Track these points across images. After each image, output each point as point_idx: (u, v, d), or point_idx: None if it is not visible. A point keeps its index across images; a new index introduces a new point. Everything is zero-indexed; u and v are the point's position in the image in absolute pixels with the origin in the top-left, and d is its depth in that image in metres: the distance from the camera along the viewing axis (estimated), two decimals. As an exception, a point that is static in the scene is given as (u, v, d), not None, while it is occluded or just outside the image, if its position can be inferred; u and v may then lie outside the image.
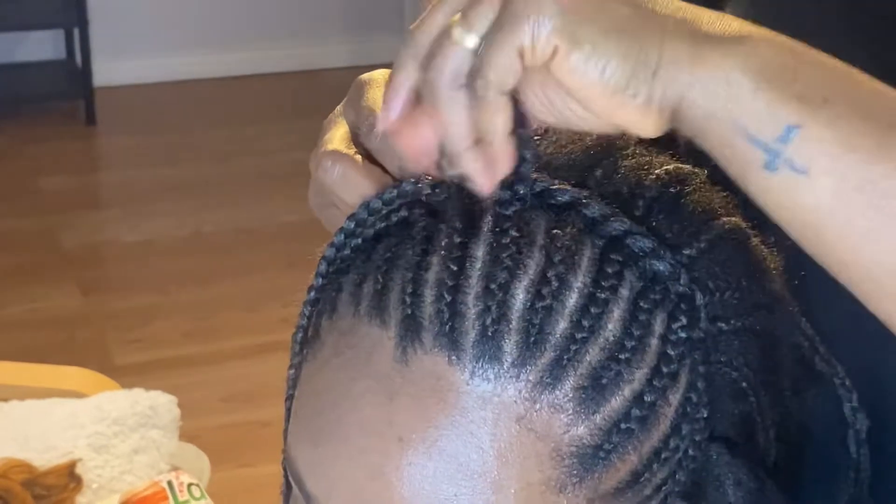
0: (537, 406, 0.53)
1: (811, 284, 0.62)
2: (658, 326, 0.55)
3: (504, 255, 0.54)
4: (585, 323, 0.53)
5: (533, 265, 0.54)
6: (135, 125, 4.13)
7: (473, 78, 0.52)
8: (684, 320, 0.55)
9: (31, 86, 4.17)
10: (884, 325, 0.52)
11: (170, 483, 1.35)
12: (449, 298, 0.54)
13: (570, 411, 0.54)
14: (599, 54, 0.50)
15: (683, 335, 0.55)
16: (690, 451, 0.57)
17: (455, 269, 0.54)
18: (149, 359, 2.84)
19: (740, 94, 0.50)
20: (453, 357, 0.53)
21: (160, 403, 1.56)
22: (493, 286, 0.53)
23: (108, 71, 4.20)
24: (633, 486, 0.56)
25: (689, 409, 0.56)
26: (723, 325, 0.56)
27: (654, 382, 0.54)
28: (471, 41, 0.52)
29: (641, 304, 0.54)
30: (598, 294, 0.54)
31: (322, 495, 0.56)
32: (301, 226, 3.25)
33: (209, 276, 3.21)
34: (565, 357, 0.53)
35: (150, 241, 3.40)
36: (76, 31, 4.07)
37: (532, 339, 0.53)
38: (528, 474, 0.53)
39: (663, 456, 0.56)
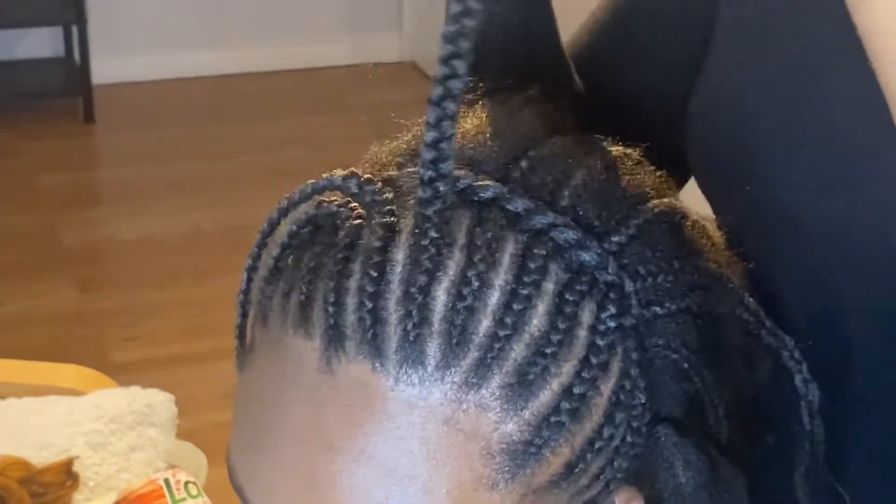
0: (464, 406, 0.53)
1: (765, 256, 0.62)
2: (586, 317, 0.55)
3: (423, 257, 0.54)
4: (508, 320, 0.53)
5: (453, 265, 0.54)
6: (134, 123, 4.13)
7: None
8: (613, 309, 0.55)
9: (29, 83, 4.17)
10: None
11: (167, 481, 1.35)
12: (370, 305, 0.53)
13: (498, 409, 0.54)
14: None
15: (613, 324, 0.55)
16: (629, 438, 0.57)
17: (375, 274, 0.54)
18: (147, 356, 2.84)
19: None
20: (377, 364, 0.53)
21: (158, 401, 1.56)
22: (412, 290, 0.53)
23: (106, 68, 4.19)
24: (568, 477, 0.56)
25: (622, 396, 0.56)
26: (657, 308, 0.57)
27: (584, 374, 0.54)
28: None
29: (567, 296, 0.54)
30: (521, 290, 0.54)
31: (260, 503, 0.57)
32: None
33: (207, 273, 3.21)
34: (489, 356, 0.53)
35: (149, 238, 3.40)
36: (75, 29, 4.06)
37: (454, 340, 0.53)
38: (459, 474, 0.53)
39: (597, 446, 0.56)
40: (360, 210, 0.56)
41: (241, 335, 0.62)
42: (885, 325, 0.60)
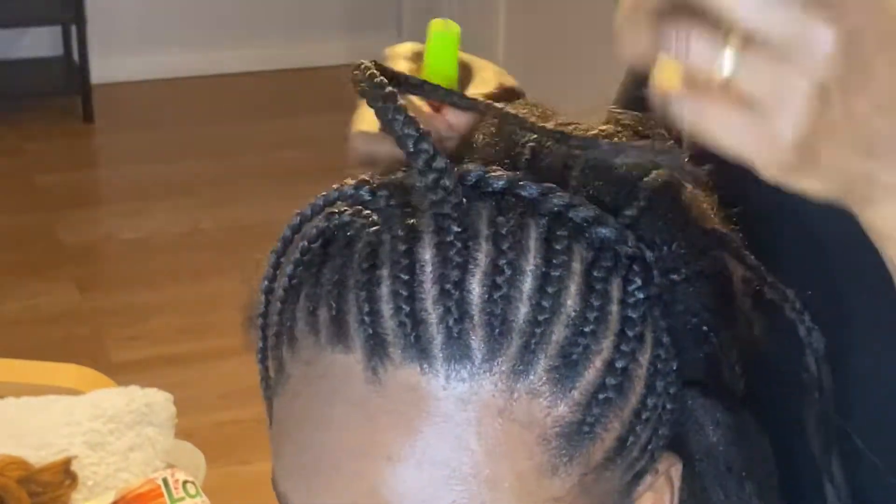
0: (515, 395, 0.53)
1: (762, 219, 0.62)
2: (616, 292, 0.55)
3: (451, 252, 0.54)
4: (545, 303, 0.54)
5: (482, 256, 0.54)
6: (133, 122, 4.13)
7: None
8: (639, 281, 0.56)
9: (28, 82, 4.17)
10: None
11: (165, 480, 1.35)
12: (407, 309, 0.53)
13: (548, 393, 0.54)
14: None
15: (641, 295, 0.56)
16: (668, 405, 0.57)
17: (406, 277, 0.54)
18: (145, 356, 2.84)
19: None
20: (425, 365, 0.53)
21: (156, 401, 1.56)
22: (447, 286, 0.53)
23: (105, 68, 4.19)
24: (622, 451, 0.56)
25: (659, 365, 0.57)
26: (675, 276, 0.57)
27: (623, 347, 0.55)
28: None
29: (595, 273, 0.55)
30: (552, 272, 0.54)
31: None
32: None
33: (206, 273, 3.20)
34: (532, 341, 0.53)
35: (148, 237, 3.40)
36: (74, 28, 4.06)
37: (497, 330, 0.53)
38: (519, 465, 0.54)
39: (644, 416, 0.56)
40: (375, 217, 0.56)
41: (264, 359, 0.61)
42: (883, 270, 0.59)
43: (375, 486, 0.54)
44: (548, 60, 3.46)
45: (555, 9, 3.53)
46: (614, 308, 0.55)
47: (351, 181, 0.58)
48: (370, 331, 0.54)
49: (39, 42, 4.24)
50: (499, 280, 0.53)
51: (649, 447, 0.58)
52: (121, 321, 2.99)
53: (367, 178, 0.58)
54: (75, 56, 4.08)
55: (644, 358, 0.56)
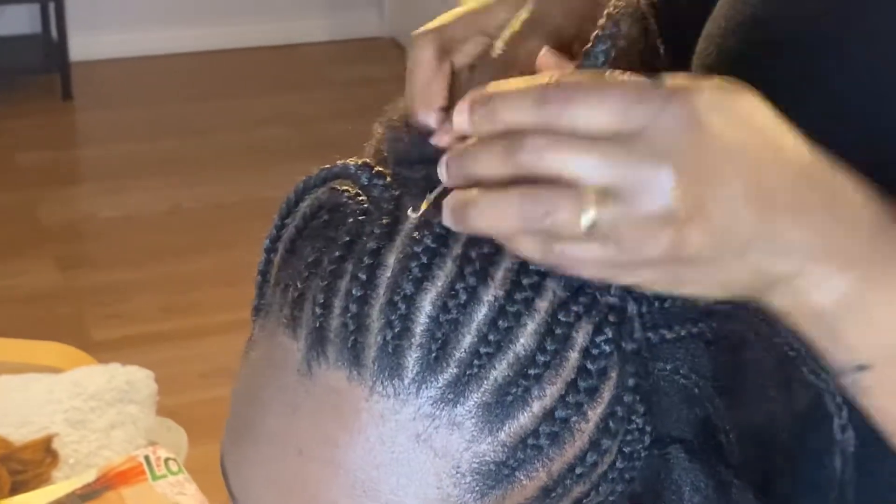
0: (436, 423, 0.52)
1: None
2: (580, 339, 0.53)
3: (413, 264, 0.52)
4: (492, 338, 0.52)
5: (443, 276, 0.52)
6: (112, 100, 4.11)
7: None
8: (610, 333, 0.53)
9: (6, 60, 4.14)
10: None
11: (147, 458, 1.35)
12: (354, 310, 0.52)
13: (472, 428, 0.52)
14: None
15: (608, 348, 0.53)
16: (619, 464, 0.55)
17: (364, 278, 0.52)
18: (126, 334, 2.83)
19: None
20: (354, 372, 0.52)
21: (137, 378, 1.56)
22: (396, 298, 0.52)
23: (84, 45, 4.17)
24: (543, 501, 0.54)
25: (611, 423, 0.54)
26: (665, 332, 0.54)
27: (569, 398, 0.53)
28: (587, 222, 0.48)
29: (561, 316, 0.52)
30: (509, 307, 0.52)
31: (238, 495, 0.56)
32: (280, 201, 3.23)
33: (188, 251, 3.20)
34: (468, 373, 0.52)
35: (129, 216, 3.39)
36: (52, 5, 4.03)
37: (434, 354, 0.52)
38: (425, 491, 0.52)
39: (578, 472, 0.54)
40: (367, 205, 0.55)
41: (256, 316, 0.60)
42: None
43: (282, 475, 0.54)
44: None
45: None
46: (573, 355, 0.53)
47: (355, 160, 0.57)
48: (318, 323, 0.53)
49: (18, 19, 4.21)
50: (450, 303, 0.52)
51: (585, 501, 0.55)
52: (101, 300, 2.98)
53: (370, 162, 0.57)
54: (54, 33, 4.06)
55: (594, 412, 0.53)
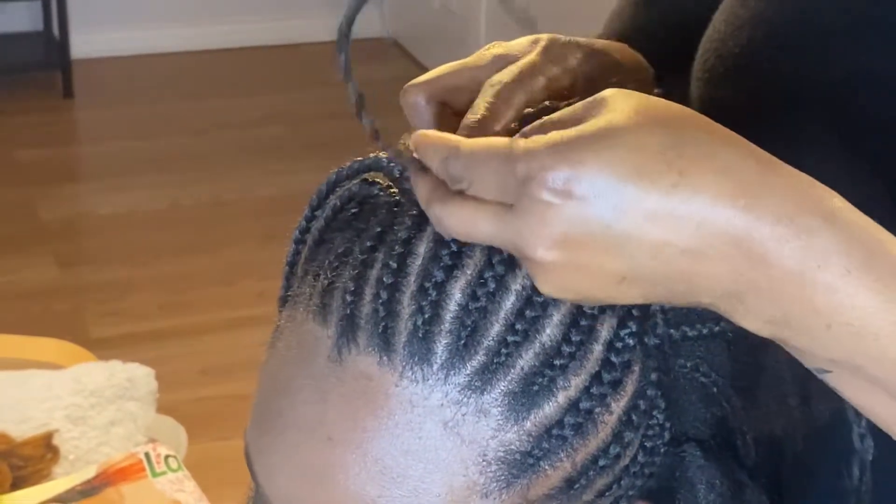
0: (464, 410, 0.53)
1: None
2: (604, 332, 0.54)
3: (444, 252, 0.53)
4: (520, 326, 0.53)
5: (472, 265, 0.53)
6: (113, 97, 4.11)
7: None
8: (634, 327, 0.54)
9: (7, 57, 4.14)
10: None
11: (147, 455, 1.35)
12: (385, 297, 0.53)
13: (498, 416, 0.53)
14: None
15: (631, 342, 0.54)
16: (640, 458, 0.55)
17: (395, 266, 0.53)
18: (125, 332, 2.84)
19: None
20: (384, 358, 0.53)
21: (137, 376, 1.56)
22: (428, 284, 0.53)
23: (85, 43, 4.17)
24: (567, 492, 0.55)
25: (634, 416, 0.55)
26: (687, 329, 0.55)
27: (593, 390, 0.53)
28: None
29: (585, 308, 0.53)
30: (536, 297, 0.53)
31: (264, 482, 0.57)
32: (279, 199, 3.25)
33: (186, 249, 3.20)
34: (496, 361, 0.53)
35: (128, 213, 3.39)
36: (53, 2, 4.04)
37: (463, 341, 0.52)
38: (451, 479, 0.53)
39: (601, 463, 0.55)
40: (398, 197, 0.56)
41: (283, 306, 0.61)
42: None
43: (311, 462, 0.54)
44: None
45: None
46: (597, 348, 0.53)
47: (387, 152, 0.57)
48: (348, 311, 0.54)
49: (18, 16, 4.21)
50: (480, 292, 0.53)
51: (608, 494, 0.56)
52: (100, 297, 2.99)
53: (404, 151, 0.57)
54: (55, 31, 4.06)
55: (618, 405, 0.54)
